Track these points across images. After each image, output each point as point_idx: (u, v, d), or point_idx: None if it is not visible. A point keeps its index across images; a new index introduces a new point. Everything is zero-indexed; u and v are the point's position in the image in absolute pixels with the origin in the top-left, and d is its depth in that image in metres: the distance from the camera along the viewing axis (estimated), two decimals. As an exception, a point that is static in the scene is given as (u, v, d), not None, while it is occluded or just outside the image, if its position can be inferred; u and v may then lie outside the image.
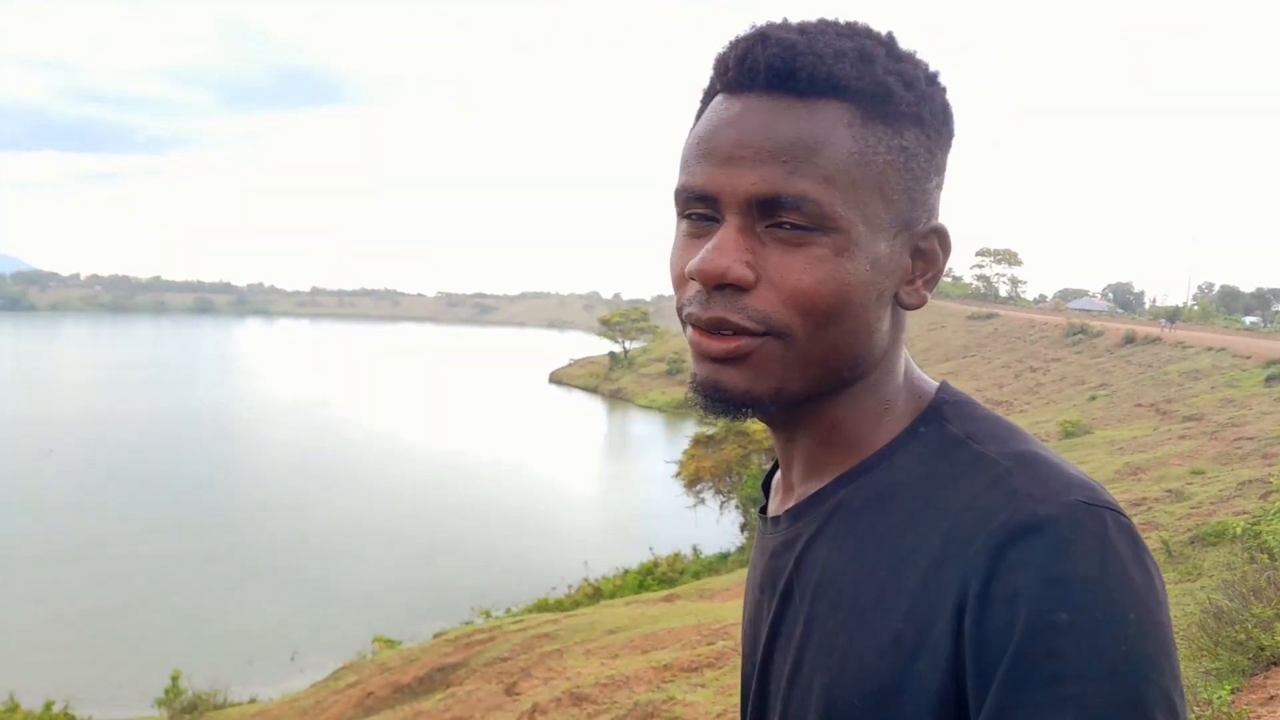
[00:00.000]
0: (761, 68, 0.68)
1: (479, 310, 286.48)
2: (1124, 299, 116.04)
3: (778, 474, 0.92)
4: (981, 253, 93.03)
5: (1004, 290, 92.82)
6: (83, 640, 18.35)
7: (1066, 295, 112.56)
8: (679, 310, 0.75)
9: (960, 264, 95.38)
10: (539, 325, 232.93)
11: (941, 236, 0.74)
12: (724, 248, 0.68)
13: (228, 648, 17.42)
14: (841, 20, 0.72)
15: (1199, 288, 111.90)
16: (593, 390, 68.24)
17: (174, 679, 14.54)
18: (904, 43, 0.72)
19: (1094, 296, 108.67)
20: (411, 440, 43.59)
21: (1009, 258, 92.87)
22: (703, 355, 0.72)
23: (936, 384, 0.78)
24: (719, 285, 0.69)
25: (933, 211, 0.74)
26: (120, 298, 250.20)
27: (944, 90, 0.73)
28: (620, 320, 73.18)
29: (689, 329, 0.73)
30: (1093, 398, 33.78)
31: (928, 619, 0.64)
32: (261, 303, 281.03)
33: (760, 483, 1.00)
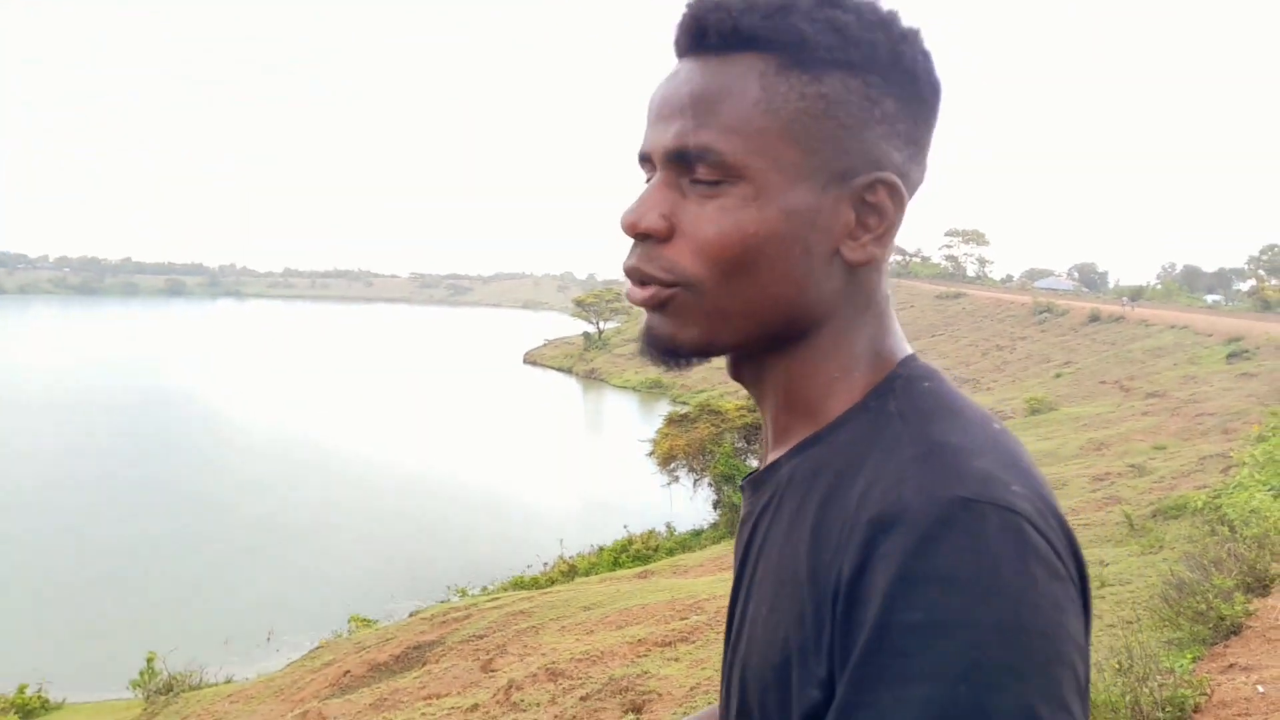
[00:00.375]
0: (681, 31, 0.72)
1: (453, 291, 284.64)
2: (1089, 279, 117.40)
3: None
4: (949, 233, 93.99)
5: (971, 270, 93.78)
6: (55, 622, 18.24)
7: (1033, 275, 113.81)
8: None
9: (928, 244, 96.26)
10: (513, 306, 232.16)
11: (891, 188, 0.70)
12: (643, 200, 0.72)
13: (203, 629, 17.37)
14: None
15: (1163, 267, 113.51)
16: (567, 370, 68.22)
17: (149, 660, 14.48)
18: None
19: (1060, 276, 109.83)
20: (386, 420, 43.45)
21: (976, 238, 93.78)
22: (632, 303, 0.75)
23: (905, 355, 0.75)
24: (637, 236, 0.72)
25: (878, 162, 0.70)
26: (90, 279, 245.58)
27: (902, 36, 0.70)
28: (594, 301, 73.11)
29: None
30: (1058, 375, 34.24)
31: (817, 602, 0.63)
32: (234, 284, 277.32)
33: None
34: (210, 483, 30.34)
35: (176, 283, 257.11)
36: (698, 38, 0.71)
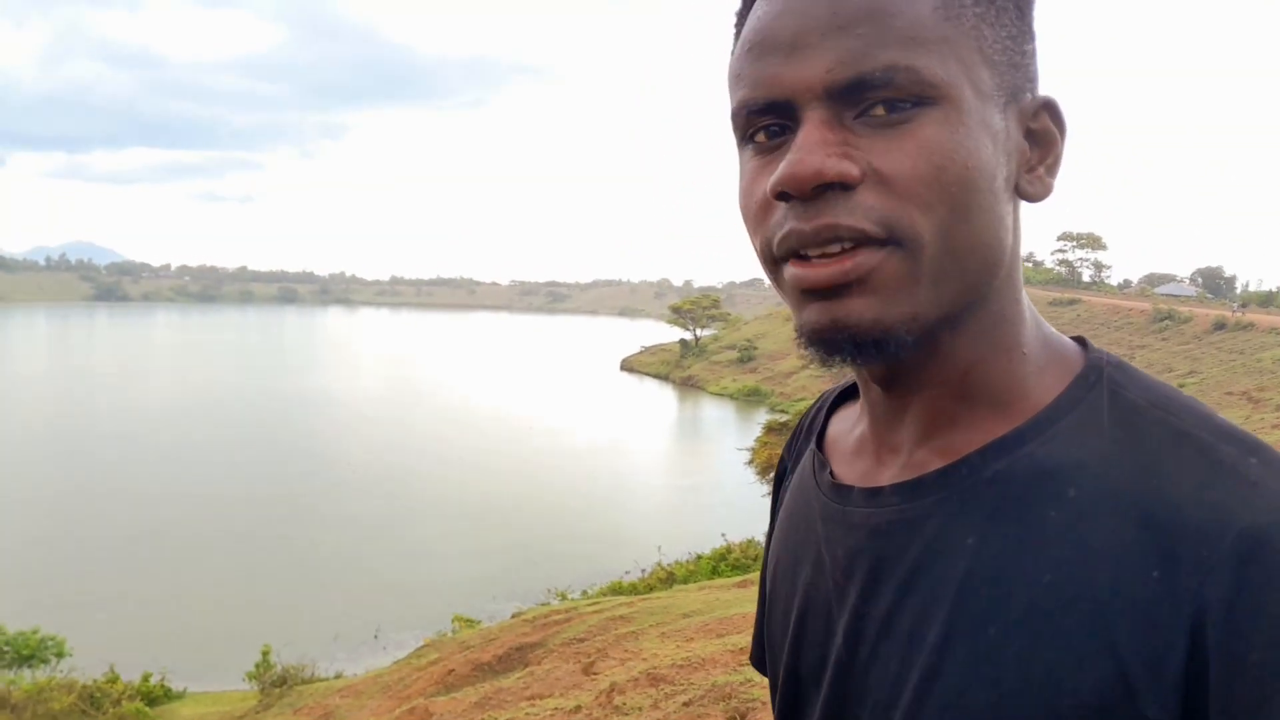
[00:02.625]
0: None
1: (551, 298, 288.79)
2: (1214, 284, 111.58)
3: (835, 426, 0.78)
4: (1063, 237, 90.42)
5: (1087, 275, 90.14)
6: (178, 615, 19.17)
7: (1153, 280, 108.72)
8: (765, 253, 0.61)
9: (1040, 248, 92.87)
10: (610, 313, 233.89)
11: (1053, 112, 0.61)
12: (809, 145, 0.55)
13: (314, 625, 18.01)
14: None
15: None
16: (664, 378, 68.35)
17: (264, 653, 15.07)
18: None
19: (1182, 281, 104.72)
20: (487, 427, 44.30)
21: (1092, 242, 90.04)
22: (809, 291, 0.58)
23: (1063, 335, 0.66)
24: (817, 188, 0.55)
25: (1035, 82, 0.61)
26: (208, 287, 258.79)
27: None
28: (691, 307, 73.12)
29: (786, 267, 0.59)
30: (1180, 385, 32.63)
31: (1147, 629, 0.52)
32: (343, 292, 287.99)
33: (793, 440, 0.84)
34: (323, 485, 31.46)
35: (289, 290, 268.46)
36: None
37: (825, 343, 0.58)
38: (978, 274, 0.59)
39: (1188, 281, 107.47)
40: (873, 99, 0.55)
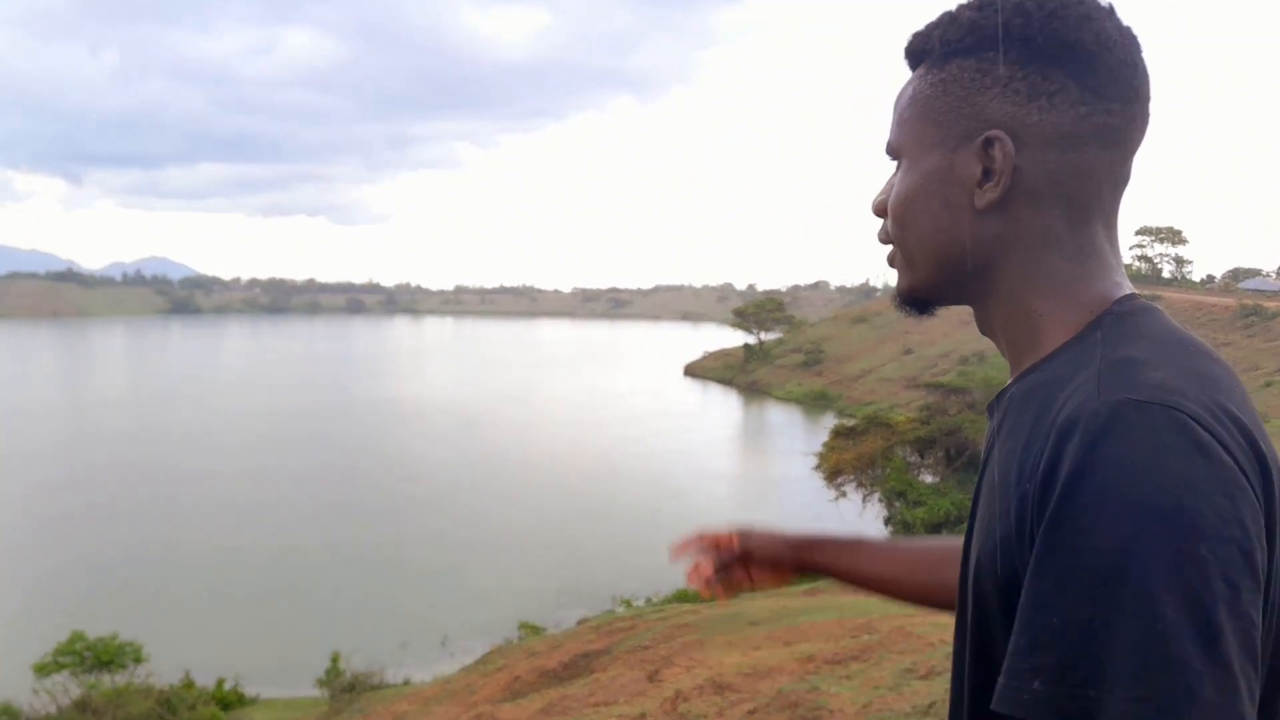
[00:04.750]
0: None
1: (613, 305, 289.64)
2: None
3: None
4: (1142, 231, 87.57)
5: (1167, 271, 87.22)
6: (251, 622, 19.57)
7: (1237, 275, 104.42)
8: None
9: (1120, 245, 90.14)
10: (672, 319, 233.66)
11: (1000, 142, 0.82)
12: (882, 189, 0.95)
13: (382, 632, 18.21)
14: None
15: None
16: (727, 382, 67.99)
17: (334, 660, 15.27)
18: None
19: (1269, 276, 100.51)
20: (552, 433, 44.54)
21: (1172, 236, 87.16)
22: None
23: (1123, 294, 0.84)
24: (877, 216, 0.96)
25: (989, 121, 0.83)
26: (278, 299, 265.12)
27: (1018, 10, 0.81)
28: (755, 311, 72.64)
29: None
30: (1268, 384, 31.38)
31: (1020, 498, 0.73)
32: (409, 301, 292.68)
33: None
34: (389, 495, 31.94)
35: (356, 301, 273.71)
36: (907, 61, 0.92)
37: (894, 300, 0.99)
38: (940, 260, 0.89)
39: (1275, 276, 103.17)
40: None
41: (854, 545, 1.32)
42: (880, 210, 0.94)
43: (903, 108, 0.90)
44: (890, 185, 0.92)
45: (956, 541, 1.12)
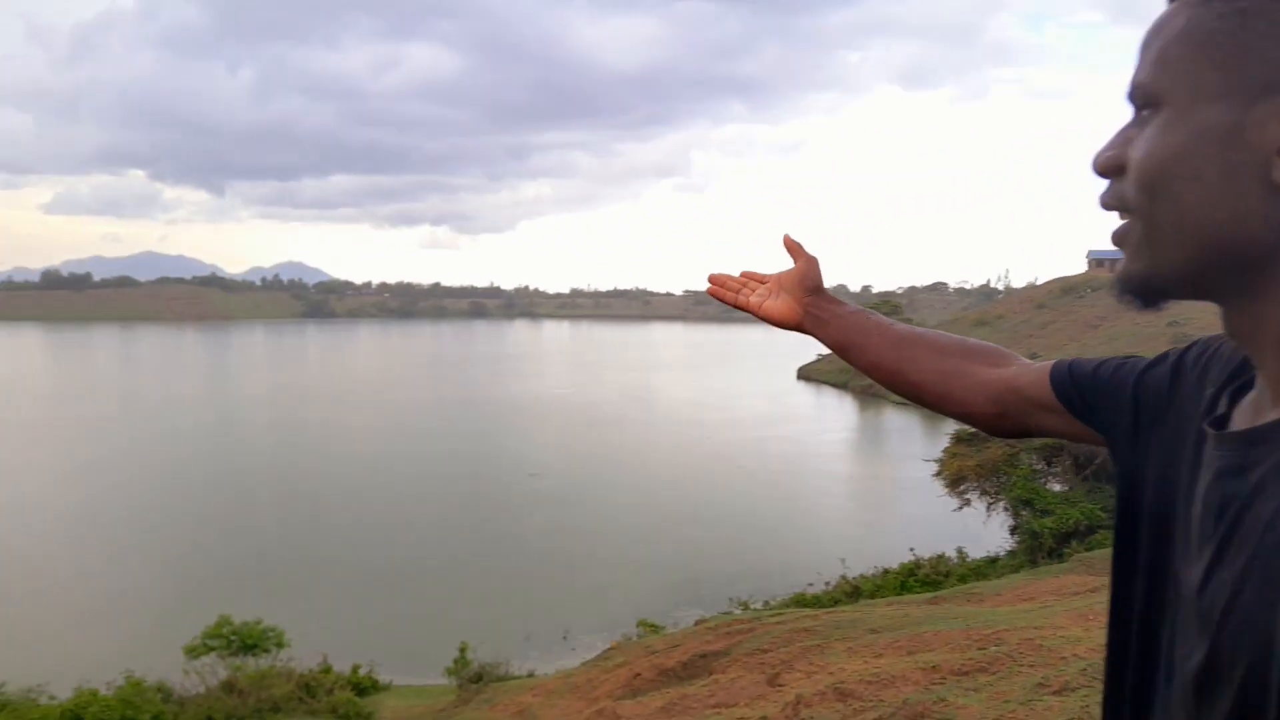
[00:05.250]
0: None
1: (725, 308, 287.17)
2: None
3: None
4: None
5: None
6: (384, 611, 20.42)
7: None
8: None
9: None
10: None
11: None
12: (1105, 142, 0.76)
13: (508, 624, 18.73)
14: None
15: None
16: (842, 386, 66.83)
17: (462, 650, 15.78)
18: None
19: None
20: (671, 434, 44.82)
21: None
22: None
23: None
24: (1101, 177, 0.76)
25: None
26: (405, 304, 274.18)
27: None
28: (871, 313, 71.18)
29: None
30: None
31: None
32: (527, 305, 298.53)
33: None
34: (516, 491, 32.76)
35: (479, 305, 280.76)
36: None
37: (1116, 288, 0.77)
38: (1205, 245, 0.69)
39: None
40: (1137, 106, 0.74)
41: (862, 343, 1.37)
42: (1110, 167, 0.74)
43: (1167, 43, 0.70)
44: (1126, 138, 0.73)
45: (952, 338, 1.28)
